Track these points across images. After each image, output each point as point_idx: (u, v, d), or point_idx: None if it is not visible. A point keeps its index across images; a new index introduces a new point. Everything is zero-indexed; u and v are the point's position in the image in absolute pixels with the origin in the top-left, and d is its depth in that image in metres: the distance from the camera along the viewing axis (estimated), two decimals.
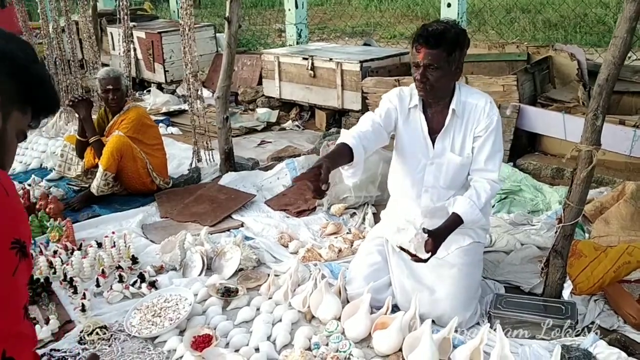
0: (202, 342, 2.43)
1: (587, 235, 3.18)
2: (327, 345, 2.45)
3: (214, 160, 4.81)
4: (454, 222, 2.49)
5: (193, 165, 4.65)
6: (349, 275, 2.80)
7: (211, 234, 3.51)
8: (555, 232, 2.54)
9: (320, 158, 2.53)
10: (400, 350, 2.37)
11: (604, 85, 2.32)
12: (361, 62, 5.45)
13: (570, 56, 4.79)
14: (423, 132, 2.65)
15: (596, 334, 2.39)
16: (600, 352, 2.28)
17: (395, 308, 2.62)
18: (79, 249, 3.30)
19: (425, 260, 2.39)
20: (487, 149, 2.58)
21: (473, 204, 2.48)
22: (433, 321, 2.41)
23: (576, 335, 2.40)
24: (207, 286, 2.88)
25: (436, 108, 2.63)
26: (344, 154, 2.43)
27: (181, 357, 2.41)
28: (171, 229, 3.64)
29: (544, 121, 4.22)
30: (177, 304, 2.70)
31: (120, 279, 2.97)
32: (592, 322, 2.54)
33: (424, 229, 2.36)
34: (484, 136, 2.57)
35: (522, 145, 4.36)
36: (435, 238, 2.39)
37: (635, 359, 2.28)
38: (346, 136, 2.50)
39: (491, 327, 2.53)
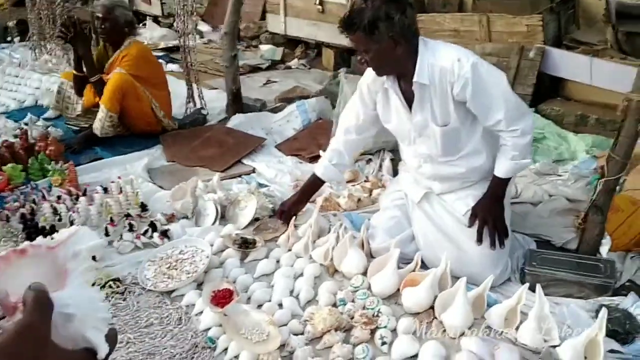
0: (222, 298, 2.29)
1: (617, 187, 3.04)
2: (353, 301, 2.35)
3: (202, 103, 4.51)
4: (496, 184, 2.44)
5: (192, 108, 4.39)
6: (371, 229, 2.67)
7: (221, 179, 3.35)
8: (596, 187, 2.40)
9: (291, 200, 2.87)
10: (431, 308, 2.26)
11: None
12: None
13: None
14: (402, 106, 2.45)
15: (636, 293, 2.30)
16: None
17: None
18: (84, 195, 3.13)
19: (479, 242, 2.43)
20: (485, 109, 2.29)
21: (506, 160, 2.38)
22: None
23: (614, 295, 2.31)
24: (222, 236, 2.74)
25: (406, 79, 2.38)
26: (317, 184, 2.84)
27: (200, 312, 2.30)
28: (179, 174, 3.47)
29: (569, 65, 4.02)
30: (193, 256, 2.56)
31: (131, 228, 2.82)
32: (629, 281, 2.45)
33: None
34: (469, 98, 2.27)
35: (545, 90, 4.16)
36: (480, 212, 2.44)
37: None
38: (318, 165, 2.81)
39: (523, 283, 2.43)
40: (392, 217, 2.67)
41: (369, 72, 2.50)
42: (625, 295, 2.29)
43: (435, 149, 2.47)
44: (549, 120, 3.87)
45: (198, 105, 4.47)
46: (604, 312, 1.96)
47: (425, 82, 2.29)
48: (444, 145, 2.44)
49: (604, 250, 2.42)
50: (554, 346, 2.05)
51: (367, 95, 2.59)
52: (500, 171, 2.41)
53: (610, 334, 2.05)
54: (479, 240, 2.42)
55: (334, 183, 3.03)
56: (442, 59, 2.27)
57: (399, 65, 2.34)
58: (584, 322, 2.17)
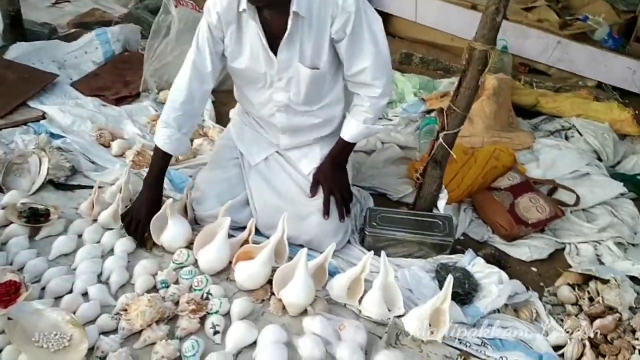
0: (5, 295, 1.77)
1: None
2: (177, 282, 2.00)
3: None
4: (341, 148, 2.24)
5: None
6: (197, 192, 2.29)
7: (0, 129, 2.68)
8: (435, 139, 2.27)
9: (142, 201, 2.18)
10: (269, 282, 2.01)
11: None
12: None
13: None
14: (261, 41, 2.03)
15: (472, 248, 2.27)
16: (479, 270, 2.16)
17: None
18: None
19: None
20: (355, 51, 2.03)
21: (358, 124, 2.17)
22: (302, 246, 2.10)
23: (452, 252, 2.25)
24: (3, 208, 2.17)
25: (274, 10, 1.99)
26: (166, 161, 2.21)
27: None
28: None
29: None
30: None
31: None
32: (464, 234, 2.43)
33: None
34: (347, 37, 1.99)
35: None
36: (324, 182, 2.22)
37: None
38: (159, 136, 2.18)
39: (363, 245, 2.28)
40: (224, 179, 2.29)
41: (211, 4, 2.02)
42: (463, 252, 2.25)
43: (297, 96, 2.13)
44: None
45: None
46: (450, 281, 1.87)
47: (303, 14, 1.94)
48: (308, 91, 2.11)
49: (441, 204, 2.33)
50: (399, 316, 1.94)
51: (215, 31, 2.06)
52: (348, 134, 2.19)
53: (451, 295, 1.98)
54: (326, 214, 2.18)
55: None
56: None
57: None
58: (426, 284, 2.10)
